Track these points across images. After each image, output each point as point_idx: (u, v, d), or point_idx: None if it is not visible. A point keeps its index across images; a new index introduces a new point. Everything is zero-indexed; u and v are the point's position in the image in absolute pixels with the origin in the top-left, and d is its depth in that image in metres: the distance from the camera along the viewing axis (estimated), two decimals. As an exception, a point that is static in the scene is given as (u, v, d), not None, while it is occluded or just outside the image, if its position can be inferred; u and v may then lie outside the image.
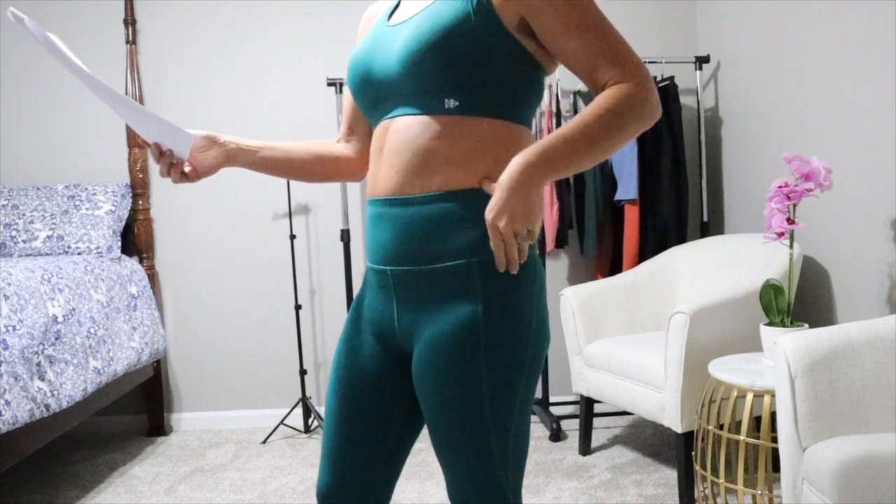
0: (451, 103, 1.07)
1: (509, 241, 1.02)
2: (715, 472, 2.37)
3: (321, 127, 3.44)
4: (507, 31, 1.07)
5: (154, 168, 3.41)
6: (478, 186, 1.09)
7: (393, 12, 1.20)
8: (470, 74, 1.06)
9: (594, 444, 3.01)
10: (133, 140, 3.34)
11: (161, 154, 1.19)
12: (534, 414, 3.46)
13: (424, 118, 1.09)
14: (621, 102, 1.03)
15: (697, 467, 2.18)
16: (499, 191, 1.01)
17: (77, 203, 3.20)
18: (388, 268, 1.14)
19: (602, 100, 1.04)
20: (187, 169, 1.22)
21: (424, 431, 3.30)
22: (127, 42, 3.34)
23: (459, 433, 1.08)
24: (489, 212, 1.02)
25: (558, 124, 3.19)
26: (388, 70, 1.11)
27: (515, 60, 1.08)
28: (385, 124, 1.14)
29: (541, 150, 1.01)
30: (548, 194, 3.20)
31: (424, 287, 1.11)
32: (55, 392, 2.35)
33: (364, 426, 1.21)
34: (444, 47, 1.05)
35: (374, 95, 1.15)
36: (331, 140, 1.35)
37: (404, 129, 1.10)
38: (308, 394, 3.51)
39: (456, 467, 1.11)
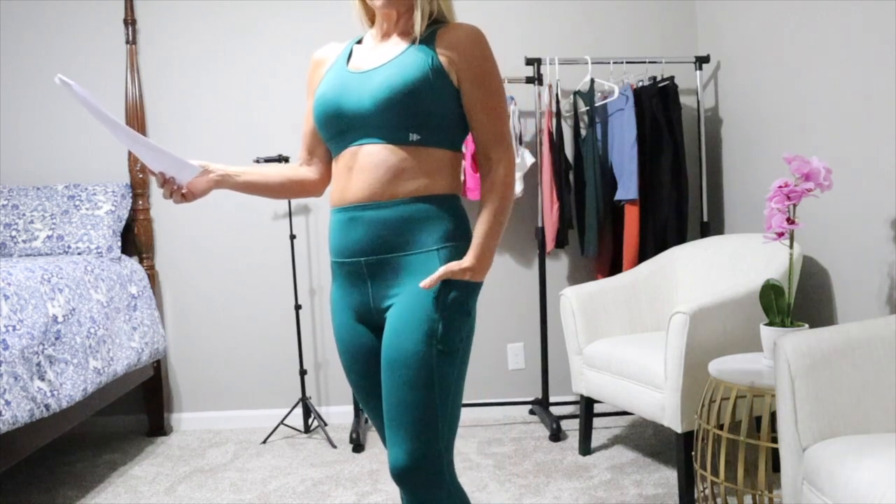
0: (414, 136, 1.41)
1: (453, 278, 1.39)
2: (715, 472, 2.37)
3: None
4: (453, 86, 1.44)
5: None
6: (438, 193, 1.43)
7: (349, 59, 1.51)
8: (428, 116, 1.41)
9: (594, 444, 3.01)
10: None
11: (165, 181, 1.45)
12: (533, 414, 3.46)
13: (391, 146, 1.41)
14: (507, 186, 1.45)
15: (697, 467, 2.18)
16: (475, 271, 1.40)
17: (77, 203, 3.20)
18: (361, 259, 1.44)
19: (497, 191, 1.44)
20: (184, 191, 1.49)
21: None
22: (127, 42, 3.34)
23: (409, 383, 1.36)
24: (467, 271, 1.39)
25: (558, 124, 3.20)
26: (359, 108, 1.42)
27: (458, 106, 1.45)
28: (353, 149, 1.44)
29: (491, 248, 1.42)
30: (548, 194, 3.20)
31: (397, 269, 1.42)
32: (55, 392, 2.35)
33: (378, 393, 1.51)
34: (411, 96, 1.39)
35: (341, 127, 1.45)
36: (295, 165, 1.63)
37: (374, 154, 1.41)
38: (308, 394, 3.51)
39: (398, 414, 1.37)
